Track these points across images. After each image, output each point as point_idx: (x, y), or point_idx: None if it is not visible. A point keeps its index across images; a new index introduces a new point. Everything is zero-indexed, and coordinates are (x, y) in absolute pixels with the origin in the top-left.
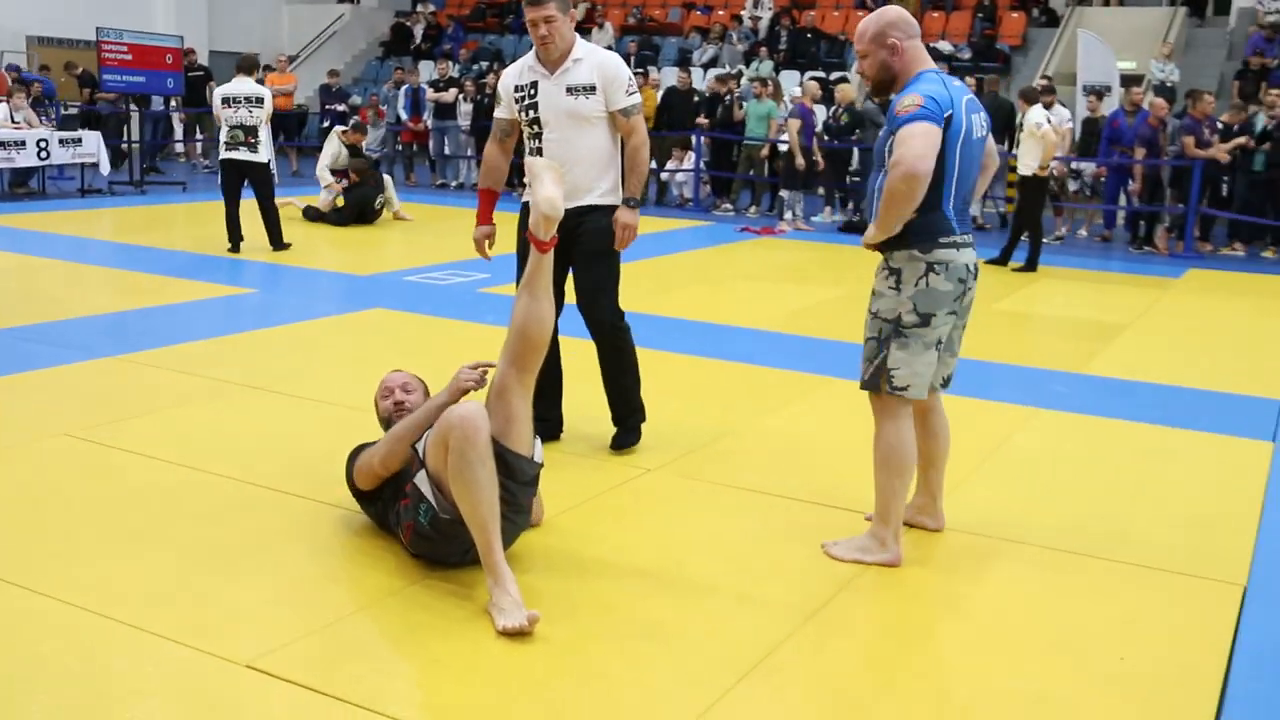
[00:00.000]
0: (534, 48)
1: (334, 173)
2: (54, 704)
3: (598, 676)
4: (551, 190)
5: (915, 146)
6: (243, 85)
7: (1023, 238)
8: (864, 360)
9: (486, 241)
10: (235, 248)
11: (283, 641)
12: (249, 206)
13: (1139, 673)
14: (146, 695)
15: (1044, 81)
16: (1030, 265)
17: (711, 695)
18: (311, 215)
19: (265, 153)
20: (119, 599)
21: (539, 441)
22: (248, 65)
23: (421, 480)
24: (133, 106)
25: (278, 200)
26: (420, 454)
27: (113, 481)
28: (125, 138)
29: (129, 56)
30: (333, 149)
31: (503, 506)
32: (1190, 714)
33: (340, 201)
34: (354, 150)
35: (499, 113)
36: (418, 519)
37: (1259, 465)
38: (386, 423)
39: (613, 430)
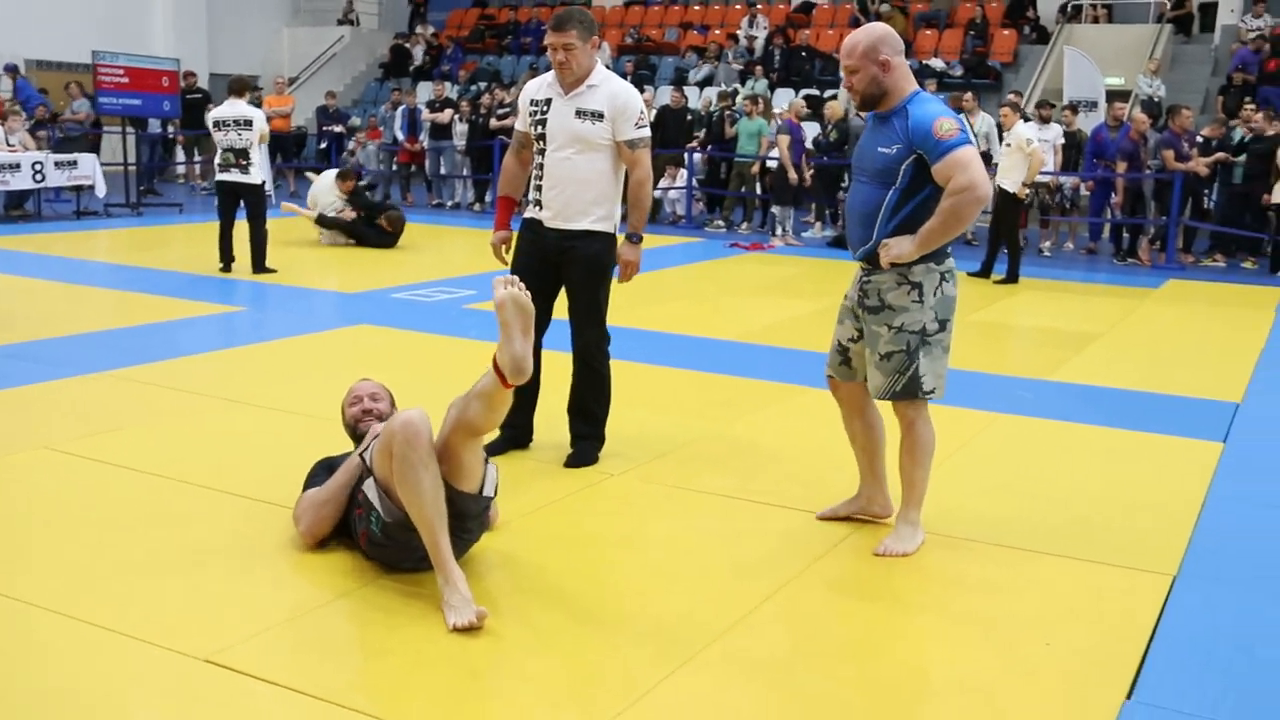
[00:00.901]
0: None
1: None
2: (10, 698)
3: (541, 670)
4: (520, 348)
5: (979, 171)
6: (233, 108)
7: (1003, 250)
8: (892, 374)
9: (504, 246)
10: (226, 267)
11: (241, 637)
12: (242, 228)
13: (1062, 658)
14: (105, 688)
15: (1013, 97)
16: (1012, 277)
17: (649, 683)
18: (326, 223)
19: (258, 174)
20: (81, 599)
21: (493, 470)
22: (239, 87)
23: (370, 488)
24: (129, 129)
25: (294, 208)
26: (368, 461)
27: (86, 490)
28: (103, 159)
29: (125, 79)
30: (331, 201)
31: (452, 529)
32: (1103, 694)
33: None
34: (355, 195)
35: (517, 125)
36: (370, 527)
37: (1206, 464)
38: (352, 429)
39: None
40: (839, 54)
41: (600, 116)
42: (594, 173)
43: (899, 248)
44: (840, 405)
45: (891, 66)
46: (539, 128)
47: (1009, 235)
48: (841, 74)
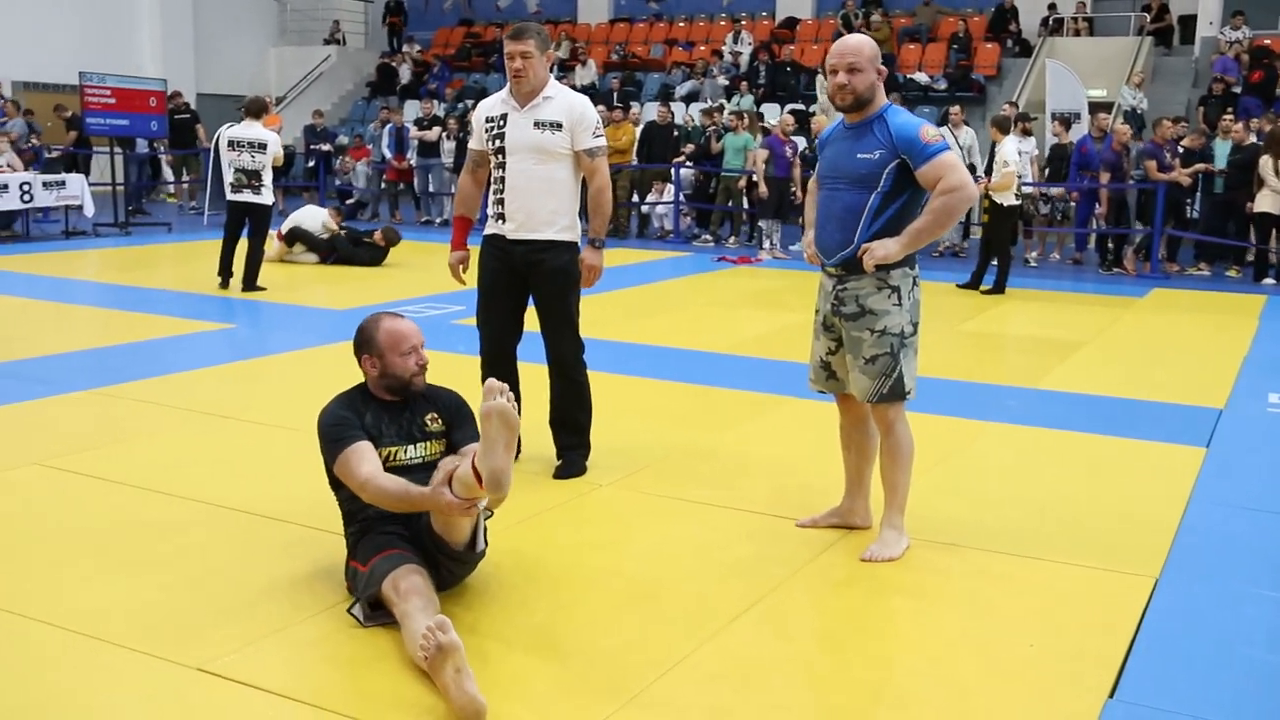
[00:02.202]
0: (509, 83)
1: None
2: (4, 708)
3: (535, 671)
4: (501, 462)
5: (966, 173)
6: (248, 130)
7: (992, 262)
8: (878, 376)
9: (461, 266)
10: (224, 283)
11: (234, 646)
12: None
13: (1046, 658)
14: (98, 697)
15: (1008, 109)
16: (999, 288)
17: (641, 684)
18: (301, 237)
19: (269, 195)
20: (72, 609)
21: (486, 524)
22: (255, 109)
23: (358, 610)
24: (117, 149)
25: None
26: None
27: (76, 505)
28: (91, 179)
29: (112, 100)
30: (316, 228)
31: (446, 567)
32: (1086, 694)
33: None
34: (340, 233)
35: (472, 144)
36: (351, 587)
37: (1189, 469)
38: (404, 385)
39: None
40: (837, 54)
41: (559, 126)
42: (555, 182)
43: (884, 249)
44: (844, 415)
45: (882, 75)
46: (497, 142)
47: (1000, 247)
48: (826, 74)
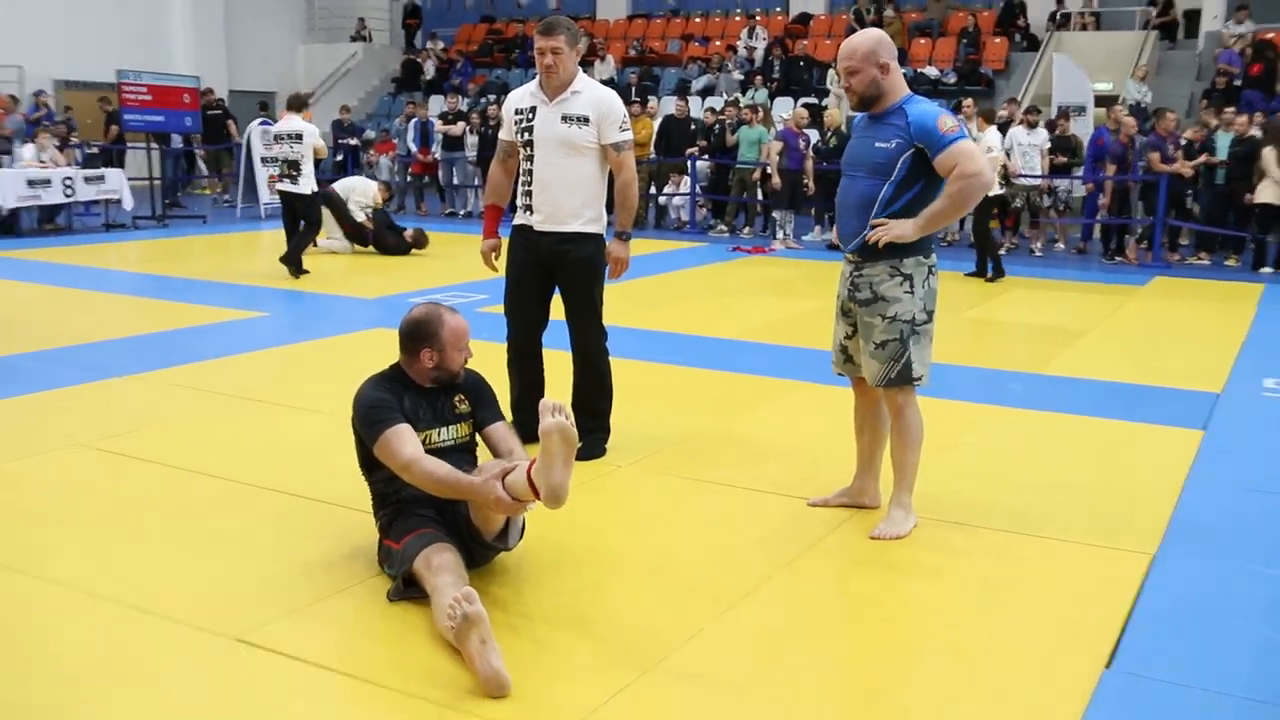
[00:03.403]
0: (538, 76)
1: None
2: (52, 677)
3: (563, 642)
4: (559, 477)
5: (984, 160)
6: (287, 123)
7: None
8: (886, 361)
9: (493, 254)
10: (295, 276)
11: (271, 617)
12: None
13: (1045, 629)
14: (140, 666)
15: (1008, 105)
16: (997, 273)
17: (660, 654)
18: (338, 207)
19: (305, 185)
20: (114, 582)
21: (522, 523)
22: (295, 104)
23: (395, 592)
24: (153, 144)
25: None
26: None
27: (117, 483)
28: (128, 174)
29: (149, 97)
30: (361, 201)
31: (479, 552)
32: (1083, 664)
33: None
34: (381, 214)
35: (502, 134)
36: (384, 565)
37: (1187, 451)
38: (452, 376)
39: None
40: (838, 61)
41: (586, 121)
42: (582, 176)
43: (900, 228)
44: (859, 398)
45: (890, 70)
46: (525, 135)
47: (977, 234)
48: (836, 76)
